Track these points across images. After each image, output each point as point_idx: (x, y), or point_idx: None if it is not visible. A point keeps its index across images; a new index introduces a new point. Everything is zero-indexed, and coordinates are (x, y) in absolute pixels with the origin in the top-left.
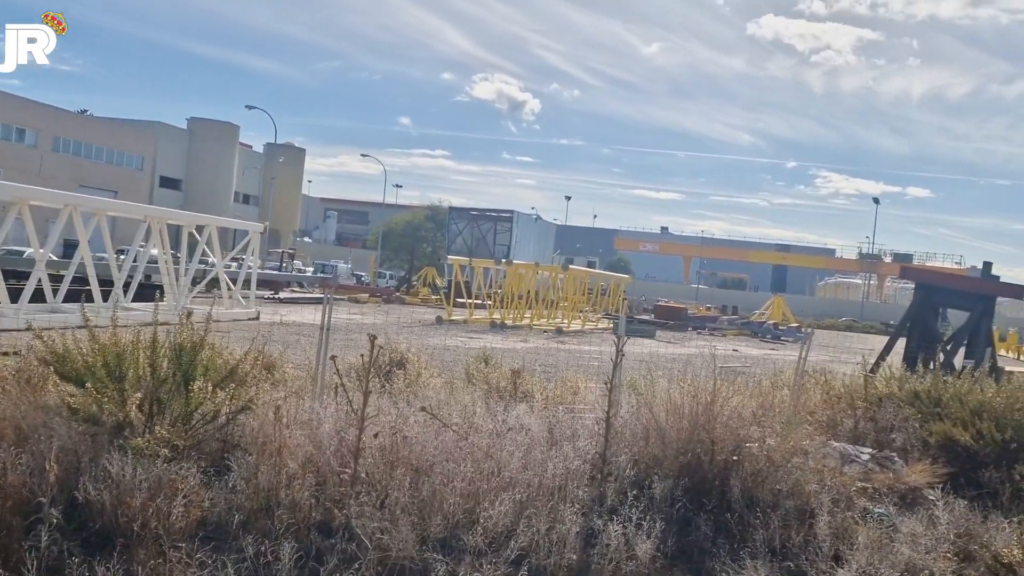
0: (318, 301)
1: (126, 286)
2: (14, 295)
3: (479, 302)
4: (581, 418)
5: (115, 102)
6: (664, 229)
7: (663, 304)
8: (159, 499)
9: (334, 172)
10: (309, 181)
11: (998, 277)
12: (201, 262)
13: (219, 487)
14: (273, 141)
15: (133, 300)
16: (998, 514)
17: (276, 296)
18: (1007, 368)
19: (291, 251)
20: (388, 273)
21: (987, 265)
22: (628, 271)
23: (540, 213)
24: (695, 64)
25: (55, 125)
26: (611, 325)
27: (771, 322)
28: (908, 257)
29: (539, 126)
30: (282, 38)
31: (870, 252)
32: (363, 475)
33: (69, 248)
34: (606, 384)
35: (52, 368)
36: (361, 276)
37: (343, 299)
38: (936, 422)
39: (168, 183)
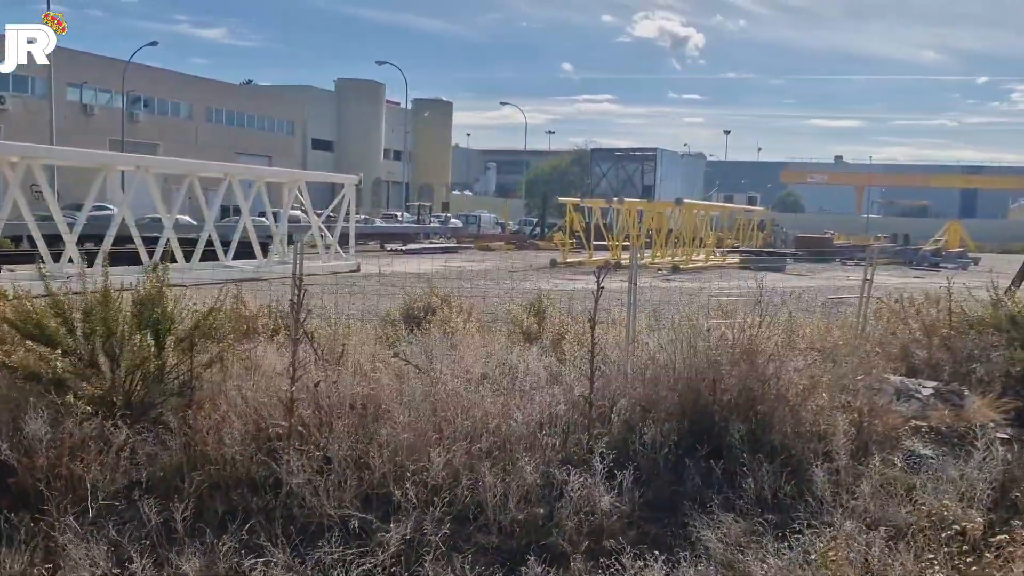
0: (444, 251)
1: (227, 245)
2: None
3: (602, 244)
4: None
5: (279, 72)
6: (838, 158)
7: (804, 235)
8: (66, 459)
9: (497, 124)
10: (468, 135)
11: None
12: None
13: (153, 443)
14: (422, 97)
15: (237, 259)
16: None
17: (403, 248)
18: None
19: (427, 204)
20: (534, 220)
21: None
22: (797, 205)
23: (706, 150)
24: None
25: (208, 97)
26: (739, 261)
27: (928, 248)
28: None
29: (704, 61)
30: None
31: None
32: (300, 429)
33: (224, 215)
34: (589, 322)
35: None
36: (504, 224)
37: (470, 247)
38: (1021, 349)
39: (320, 145)
